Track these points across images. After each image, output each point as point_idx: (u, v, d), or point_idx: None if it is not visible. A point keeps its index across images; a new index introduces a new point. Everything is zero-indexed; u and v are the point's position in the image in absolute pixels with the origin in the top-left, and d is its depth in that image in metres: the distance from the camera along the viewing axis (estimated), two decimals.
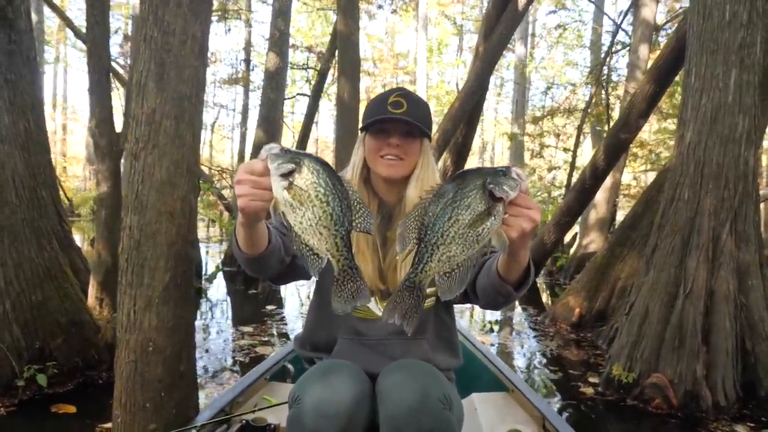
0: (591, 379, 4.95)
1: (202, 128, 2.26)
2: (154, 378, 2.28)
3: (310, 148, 24.18)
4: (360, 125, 1.91)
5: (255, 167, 1.24)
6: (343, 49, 7.06)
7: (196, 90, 2.16)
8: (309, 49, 16.61)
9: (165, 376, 2.31)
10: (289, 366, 2.54)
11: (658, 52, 11.90)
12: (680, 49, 7.01)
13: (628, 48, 12.05)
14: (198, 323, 6.67)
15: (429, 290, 1.70)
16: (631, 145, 10.64)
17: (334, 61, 12.13)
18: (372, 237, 1.85)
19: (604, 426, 4.26)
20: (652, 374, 4.36)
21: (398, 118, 1.79)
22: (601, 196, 10.71)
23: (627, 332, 4.66)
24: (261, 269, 1.62)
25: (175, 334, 2.29)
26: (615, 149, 8.14)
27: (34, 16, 18.88)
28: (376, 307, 1.87)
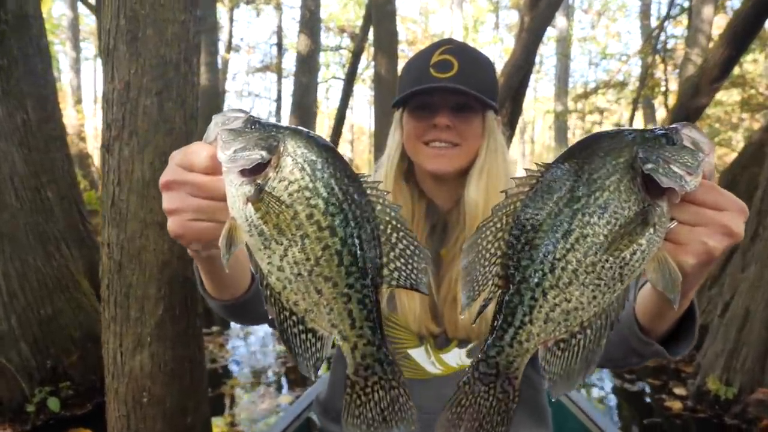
0: (676, 391, 4.27)
1: (198, 107, 1.69)
2: None
3: (345, 135, 23.63)
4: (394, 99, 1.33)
5: (195, 158, 0.68)
6: (379, 20, 6.46)
7: (185, 54, 1.58)
8: (342, 29, 15.99)
9: None
10: (315, 418, 1.98)
11: (722, 14, 10.90)
12: (763, 4, 6.19)
13: (687, 11, 11.02)
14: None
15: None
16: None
17: (368, 43, 11.56)
18: None
19: None
20: (758, 389, 3.69)
21: (445, 87, 1.20)
22: None
23: (723, 338, 3.97)
24: (246, 318, 1.10)
25: (176, 381, 1.76)
26: (684, 121, 7.32)
27: (69, 13, 18.97)
28: (427, 360, 1.29)
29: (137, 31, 1.52)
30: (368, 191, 0.64)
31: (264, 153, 0.62)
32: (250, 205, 0.62)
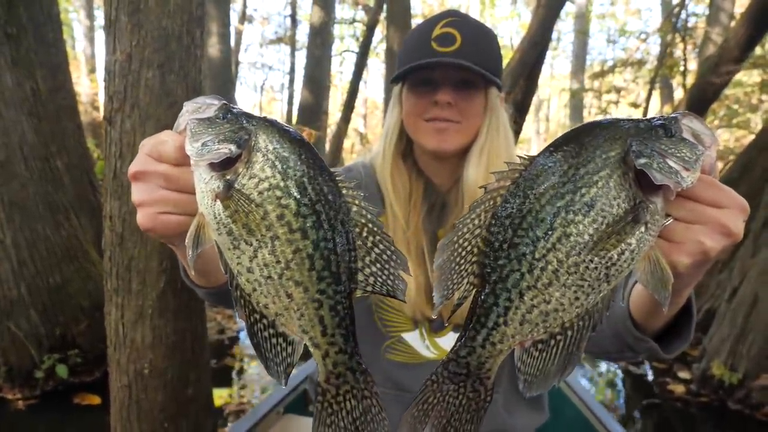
0: (681, 374, 4.26)
1: (201, 79, 1.67)
2: (154, 406, 1.79)
3: (359, 110, 23.44)
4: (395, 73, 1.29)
5: (163, 148, 0.65)
6: None
7: (187, 26, 1.55)
8: (356, 2, 15.75)
9: (168, 404, 1.81)
10: (311, 390, 1.99)
11: None
12: None
13: None
14: None
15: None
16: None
17: (383, 16, 11.40)
18: (416, 238, 1.24)
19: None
20: (762, 375, 3.67)
21: (448, 62, 1.17)
22: None
23: (729, 323, 3.94)
24: (231, 304, 1.07)
25: (177, 353, 1.78)
26: (701, 102, 7.19)
27: None
28: (421, 344, 1.28)
29: (139, 2, 1.49)
30: (344, 191, 0.61)
31: (233, 147, 0.59)
32: (218, 202, 0.59)
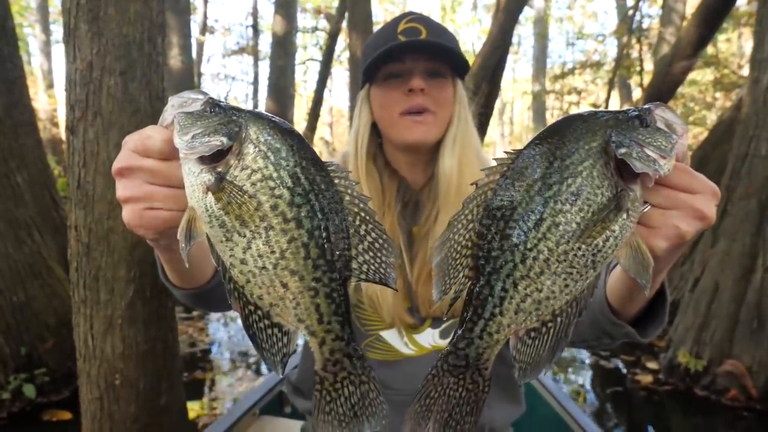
0: (649, 365, 4.37)
1: (164, 87, 1.66)
2: (127, 417, 1.76)
3: (324, 118, 23.39)
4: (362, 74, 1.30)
5: (149, 143, 0.64)
6: (354, 0, 6.38)
7: (148, 33, 1.55)
8: (318, 11, 15.78)
9: (141, 414, 1.79)
10: (287, 392, 1.98)
11: None
12: None
13: None
14: None
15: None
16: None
17: (345, 24, 11.46)
18: (392, 236, 1.25)
19: (668, 419, 3.71)
20: (726, 361, 3.80)
21: (420, 42, 1.19)
22: None
23: (693, 312, 4.07)
24: (212, 306, 1.06)
25: (149, 362, 1.76)
26: (657, 100, 7.41)
27: None
28: (400, 341, 1.29)
29: (98, 10, 1.48)
30: (336, 181, 0.61)
31: (225, 139, 0.58)
32: (210, 194, 0.59)
